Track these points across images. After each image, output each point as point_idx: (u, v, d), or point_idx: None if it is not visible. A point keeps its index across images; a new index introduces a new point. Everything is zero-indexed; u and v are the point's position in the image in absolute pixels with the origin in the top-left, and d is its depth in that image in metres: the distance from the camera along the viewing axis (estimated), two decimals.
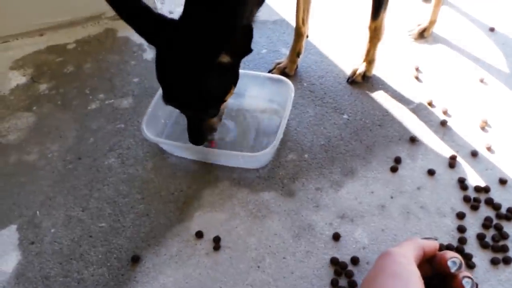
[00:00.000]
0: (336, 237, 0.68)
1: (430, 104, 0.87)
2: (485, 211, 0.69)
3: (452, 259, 0.49)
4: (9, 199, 0.78)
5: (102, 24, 1.17)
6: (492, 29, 1.03)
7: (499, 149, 0.78)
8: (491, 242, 0.65)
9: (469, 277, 0.48)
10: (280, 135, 0.74)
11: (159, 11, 1.17)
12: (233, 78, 0.69)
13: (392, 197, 0.73)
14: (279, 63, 0.96)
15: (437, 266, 0.51)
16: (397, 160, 0.77)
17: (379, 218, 0.70)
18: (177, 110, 0.87)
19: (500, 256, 0.64)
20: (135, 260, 0.67)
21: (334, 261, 0.65)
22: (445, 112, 0.85)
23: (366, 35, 0.89)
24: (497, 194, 0.71)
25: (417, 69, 0.94)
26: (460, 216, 0.69)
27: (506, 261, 0.63)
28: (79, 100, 0.96)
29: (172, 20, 0.63)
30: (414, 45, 1.01)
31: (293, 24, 0.93)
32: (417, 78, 0.93)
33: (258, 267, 0.65)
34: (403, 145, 0.80)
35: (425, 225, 0.68)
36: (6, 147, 0.88)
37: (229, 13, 0.60)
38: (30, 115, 0.94)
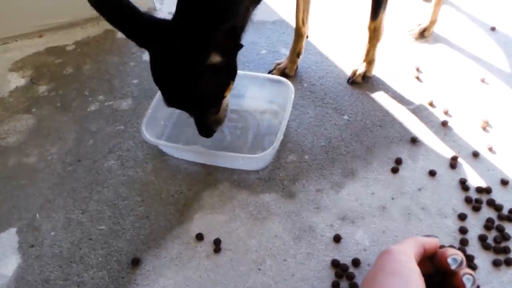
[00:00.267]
0: (337, 239, 0.67)
1: (431, 104, 0.86)
2: (486, 212, 0.69)
3: (453, 256, 0.49)
4: (9, 202, 0.78)
5: (101, 26, 1.16)
6: (493, 29, 1.02)
7: (501, 150, 0.78)
8: (493, 244, 0.65)
9: (470, 274, 0.48)
10: (280, 136, 0.74)
11: (159, 12, 1.18)
12: (230, 75, 0.68)
13: (393, 198, 0.72)
14: (279, 64, 0.96)
15: (438, 264, 0.51)
16: (398, 161, 0.77)
17: (380, 220, 0.70)
18: (177, 111, 0.88)
19: (502, 257, 0.63)
20: (135, 262, 0.67)
21: (335, 263, 0.65)
22: (446, 113, 0.85)
23: (365, 35, 0.89)
24: (498, 195, 0.71)
25: (417, 69, 0.94)
26: (462, 217, 0.68)
27: (508, 262, 0.63)
28: (79, 102, 0.96)
29: (163, 21, 0.61)
30: (414, 45, 1.01)
31: (293, 24, 0.93)
32: (417, 78, 0.92)
33: (259, 269, 0.65)
34: (404, 146, 0.80)
35: (426, 227, 0.68)
36: (6, 150, 0.87)
37: (217, 13, 0.59)
38: (29, 117, 0.94)
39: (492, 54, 0.96)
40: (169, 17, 0.63)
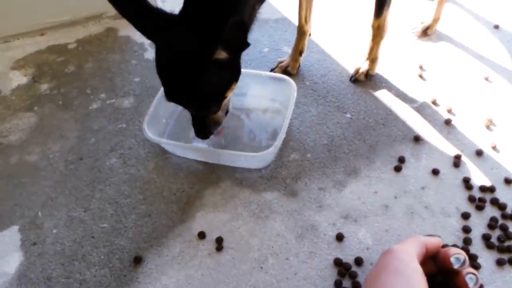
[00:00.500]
0: (340, 237, 0.67)
1: (434, 102, 0.86)
2: (490, 211, 0.69)
3: (456, 255, 0.49)
4: (11, 200, 0.78)
5: (103, 24, 1.16)
6: (496, 27, 1.02)
7: (505, 148, 0.77)
8: (496, 243, 0.65)
9: (473, 273, 0.48)
10: (282, 134, 0.73)
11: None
12: (233, 74, 0.68)
13: (396, 197, 0.72)
14: (281, 62, 0.96)
15: (441, 263, 0.50)
16: (401, 160, 0.77)
17: (383, 218, 0.69)
18: (179, 109, 0.88)
19: (506, 256, 0.63)
20: (137, 261, 0.67)
21: (337, 262, 0.64)
22: (449, 111, 0.84)
23: (369, 33, 0.89)
24: (502, 194, 0.71)
25: (420, 67, 0.93)
26: (465, 216, 0.68)
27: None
28: (80, 100, 0.96)
29: (171, 15, 0.62)
30: (417, 43, 1.00)
31: (295, 22, 0.93)
32: (420, 76, 0.92)
33: (261, 268, 0.65)
34: (407, 145, 0.79)
35: (429, 226, 0.68)
36: (8, 148, 0.87)
37: (224, 8, 0.59)
38: (31, 115, 0.94)
39: (496, 52, 0.96)
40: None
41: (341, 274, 0.63)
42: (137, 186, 0.77)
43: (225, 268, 0.65)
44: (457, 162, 0.75)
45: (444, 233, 0.67)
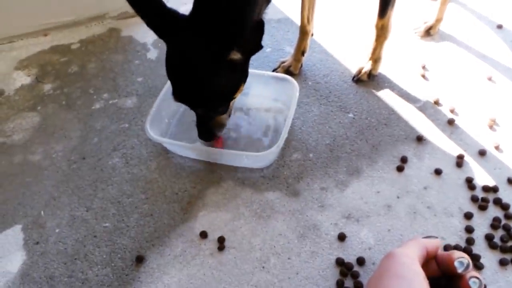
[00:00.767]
0: (342, 237, 0.67)
1: (437, 102, 0.86)
2: (493, 211, 0.68)
3: (459, 259, 0.48)
4: (14, 199, 0.78)
5: (106, 24, 1.17)
6: (500, 26, 1.01)
7: (508, 148, 0.77)
8: (499, 243, 0.64)
9: (476, 277, 0.47)
10: (284, 134, 0.73)
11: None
12: (243, 76, 0.68)
13: (398, 197, 0.72)
14: (283, 62, 0.96)
15: (444, 267, 0.50)
16: (404, 160, 0.76)
17: (385, 218, 0.69)
18: (181, 109, 0.88)
19: (508, 257, 0.63)
20: (139, 260, 0.67)
21: (339, 262, 0.64)
22: (452, 111, 0.84)
23: (372, 33, 0.88)
24: (505, 194, 0.70)
25: (423, 67, 0.93)
26: (468, 216, 0.68)
27: None
28: (83, 100, 0.96)
29: (183, 16, 0.62)
30: (420, 43, 1.00)
31: (298, 22, 0.93)
32: (423, 76, 0.92)
33: (263, 267, 0.65)
34: (410, 144, 0.79)
35: (432, 226, 0.67)
36: (11, 147, 0.88)
37: (240, 8, 0.60)
38: (34, 115, 0.94)
39: (499, 52, 0.95)
40: None
41: (343, 274, 0.63)
42: (139, 186, 0.78)
43: (227, 268, 0.65)
44: (460, 162, 0.75)
45: (447, 233, 0.66)
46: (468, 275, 0.48)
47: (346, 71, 0.95)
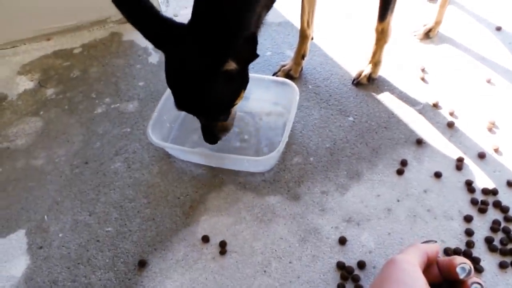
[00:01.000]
0: (342, 241, 0.67)
1: (436, 105, 0.86)
2: (493, 214, 0.69)
3: (461, 265, 0.49)
4: (18, 204, 0.79)
5: (108, 28, 1.18)
6: (499, 28, 1.02)
7: (507, 151, 0.77)
8: (499, 246, 0.65)
9: (478, 283, 0.48)
10: (285, 138, 0.74)
11: (164, 14, 1.19)
12: (242, 83, 0.69)
13: (398, 200, 0.72)
14: (284, 65, 0.96)
15: (446, 272, 0.50)
16: (403, 163, 0.77)
17: (386, 222, 0.70)
18: (183, 113, 0.88)
19: (508, 259, 0.63)
20: (142, 264, 0.68)
21: (340, 266, 0.65)
22: (451, 114, 0.84)
23: (372, 37, 0.89)
24: (505, 197, 0.71)
25: (423, 70, 0.94)
26: (468, 219, 0.68)
27: None
28: (86, 105, 0.97)
29: (180, 25, 0.62)
30: (419, 46, 1.00)
31: (298, 26, 0.93)
32: (423, 79, 0.92)
33: (264, 271, 0.65)
34: (409, 148, 0.80)
35: (432, 229, 0.68)
36: (14, 152, 0.89)
37: (234, 20, 0.60)
38: (37, 120, 0.95)
39: (498, 54, 0.96)
40: (174, 19, 0.64)
41: (343, 277, 0.63)
42: (141, 190, 0.78)
43: (228, 272, 0.66)
44: (459, 165, 0.75)
45: (447, 236, 0.67)
46: (470, 281, 0.48)
47: (346, 75, 0.95)
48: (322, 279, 0.64)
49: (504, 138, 0.79)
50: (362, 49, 0.97)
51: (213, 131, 0.73)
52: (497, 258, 0.64)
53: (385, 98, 0.89)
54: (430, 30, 1.01)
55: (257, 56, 0.61)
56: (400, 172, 0.76)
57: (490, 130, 0.81)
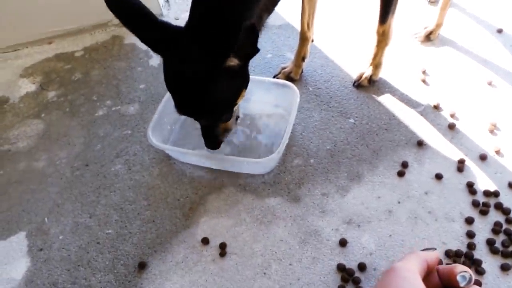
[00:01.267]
0: (343, 243, 0.67)
1: (437, 107, 0.86)
2: (494, 216, 0.68)
3: (462, 273, 0.48)
4: (19, 206, 0.79)
5: (109, 31, 1.18)
6: (500, 31, 1.01)
7: (508, 153, 0.77)
8: (501, 248, 0.64)
9: None
10: (285, 140, 0.74)
11: (165, 17, 1.19)
12: (244, 81, 0.68)
13: (399, 202, 0.72)
14: (284, 68, 0.96)
15: (446, 281, 0.50)
16: (404, 165, 0.77)
17: (386, 224, 0.69)
18: (183, 116, 0.88)
19: (510, 262, 0.63)
20: (142, 266, 0.68)
21: (341, 268, 0.64)
22: (452, 115, 0.84)
23: (373, 39, 0.89)
24: (506, 199, 0.70)
25: (424, 72, 0.93)
26: (469, 221, 0.68)
27: None
28: (87, 107, 0.97)
29: (177, 27, 0.62)
30: (420, 48, 1.00)
31: (298, 28, 0.93)
32: (424, 81, 0.92)
33: (264, 273, 0.65)
34: (410, 149, 0.79)
35: (433, 231, 0.68)
36: (16, 155, 0.89)
37: (233, 16, 0.60)
38: (39, 122, 0.96)
39: (499, 56, 0.95)
40: (175, 23, 0.64)
41: (344, 279, 0.63)
42: (141, 192, 0.78)
43: (228, 274, 0.66)
44: (460, 166, 0.75)
45: (448, 238, 0.66)
46: None
47: (346, 77, 0.95)
48: (322, 281, 0.64)
49: (506, 140, 0.79)
50: (363, 51, 0.97)
51: (215, 133, 0.72)
52: (498, 260, 0.63)
53: (386, 100, 0.89)
54: (431, 33, 1.01)
55: (258, 50, 0.60)
56: (401, 174, 0.76)
57: (491, 132, 0.81)
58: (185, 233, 0.71)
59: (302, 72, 0.96)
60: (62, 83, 1.05)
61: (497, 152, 0.77)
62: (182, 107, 0.66)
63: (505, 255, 0.63)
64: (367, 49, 0.93)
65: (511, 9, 1.07)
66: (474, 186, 0.72)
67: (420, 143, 0.80)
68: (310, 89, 0.94)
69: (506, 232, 0.66)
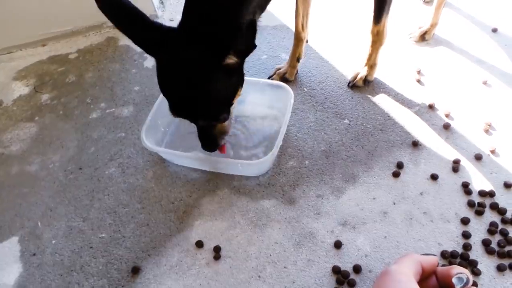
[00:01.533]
0: (338, 245, 0.67)
1: (432, 107, 0.86)
2: (490, 216, 0.68)
3: (458, 275, 0.48)
4: (11, 211, 0.79)
5: (103, 33, 1.17)
6: (495, 30, 1.01)
7: (504, 152, 0.77)
8: (496, 248, 0.64)
9: None
10: (279, 142, 0.73)
11: (160, 19, 1.19)
12: (240, 79, 0.67)
13: (394, 203, 0.72)
14: (279, 69, 0.96)
15: (443, 282, 0.49)
16: (399, 165, 0.76)
17: (382, 225, 0.69)
18: (177, 119, 0.88)
19: (506, 262, 0.62)
20: (135, 271, 0.67)
21: (336, 270, 0.64)
22: (447, 115, 0.84)
23: (368, 39, 0.89)
24: (502, 199, 0.70)
25: (418, 72, 0.93)
26: (465, 221, 0.67)
27: None
28: (81, 110, 0.97)
29: (170, 28, 0.61)
30: (415, 48, 1.00)
31: (293, 29, 0.93)
32: (419, 81, 0.92)
33: (259, 276, 0.65)
34: (405, 150, 0.79)
35: (428, 232, 0.67)
36: (9, 158, 0.88)
37: (229, 14, 0.59)
38: (32, 126, 0.95)
39: (494, 56, 0.95)
40: (170, 24, 0.63)
41: (339, 282, 0.63)
42: (135, 195, 0.78)
43: (223, 277, 0.65)
44: (456, 167, 0.75)
45: (444, 239, 0.66)
46: None
47: (341, 77, 0.95)
48: (317, 284, 0.63)
49: (501, 140, 0.79)
50: (358, 51, 0.96)
51: (212, 134, 0.71)
52: (494, 261, 0.63)
53: (380, 100, 0.89)
54: (425, 32, 1.00)
55: (255, 46, 0.59)
56: (396, 175, 0.75)
57: (486, 131, 0.80)
58: (179, 237, 0.71)
59: (297, 73, 0.96)
60: (55, 85, 1.04)
61: (492, 152, 0.77)
62: (178, 109, 0.65)
63: (501, 255, 0.63)
64: (361, 49, 0.93)
65: (506, 9, 1.07)
66: (470, 186, 0.72)
67: (415, 144, 0.79)
68: (305, 90, 0.93)
69: (502, 232, 0.65)
